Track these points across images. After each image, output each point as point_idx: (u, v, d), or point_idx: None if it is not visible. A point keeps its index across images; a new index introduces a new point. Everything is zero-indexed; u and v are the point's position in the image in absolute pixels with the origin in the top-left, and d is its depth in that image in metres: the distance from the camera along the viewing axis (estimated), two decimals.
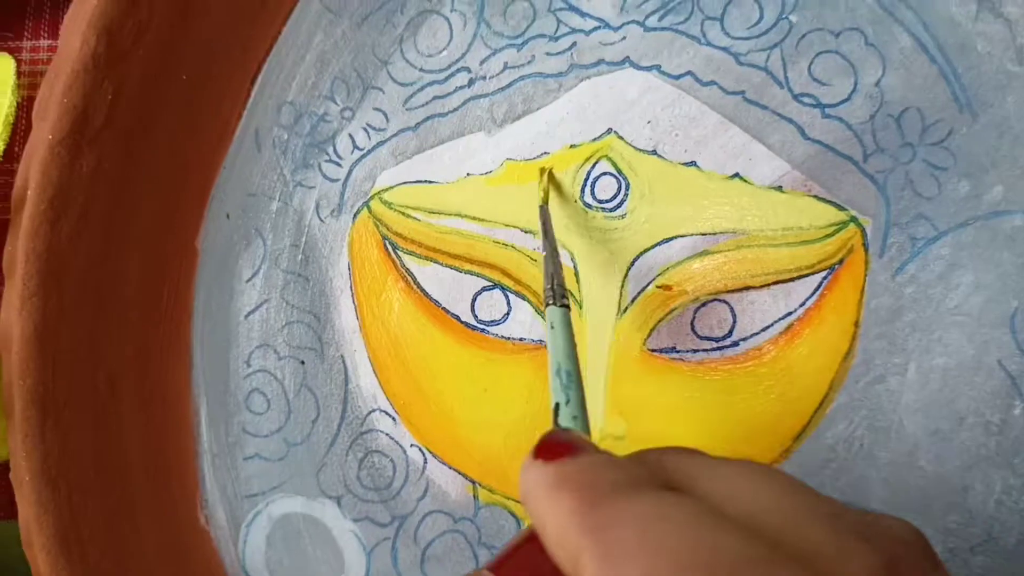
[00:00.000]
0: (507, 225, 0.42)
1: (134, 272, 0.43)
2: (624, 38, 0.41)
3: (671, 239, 0.41)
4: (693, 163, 0.41)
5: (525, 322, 0.42)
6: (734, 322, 0.41)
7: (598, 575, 0.23)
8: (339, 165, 0.44)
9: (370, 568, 0.44)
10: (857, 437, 0.40)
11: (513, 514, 0.43)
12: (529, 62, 0.42)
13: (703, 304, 0.41)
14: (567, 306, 0.35)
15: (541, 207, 0.41)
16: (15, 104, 0.43)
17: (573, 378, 0.31)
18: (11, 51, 0.45)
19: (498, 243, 0.42)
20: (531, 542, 0.26)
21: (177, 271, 0.44)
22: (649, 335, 0.42)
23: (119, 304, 0.42)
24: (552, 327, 0.34)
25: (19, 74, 0.44)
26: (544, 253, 0.38)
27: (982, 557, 0.40)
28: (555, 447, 0.27)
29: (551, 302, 0.35)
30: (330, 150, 0.44)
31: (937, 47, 0.39)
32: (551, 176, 0.42)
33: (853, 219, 0.40)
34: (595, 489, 0.24)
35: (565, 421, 0.30)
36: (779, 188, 0.40)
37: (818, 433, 0.41)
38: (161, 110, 0.42)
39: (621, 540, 0.23)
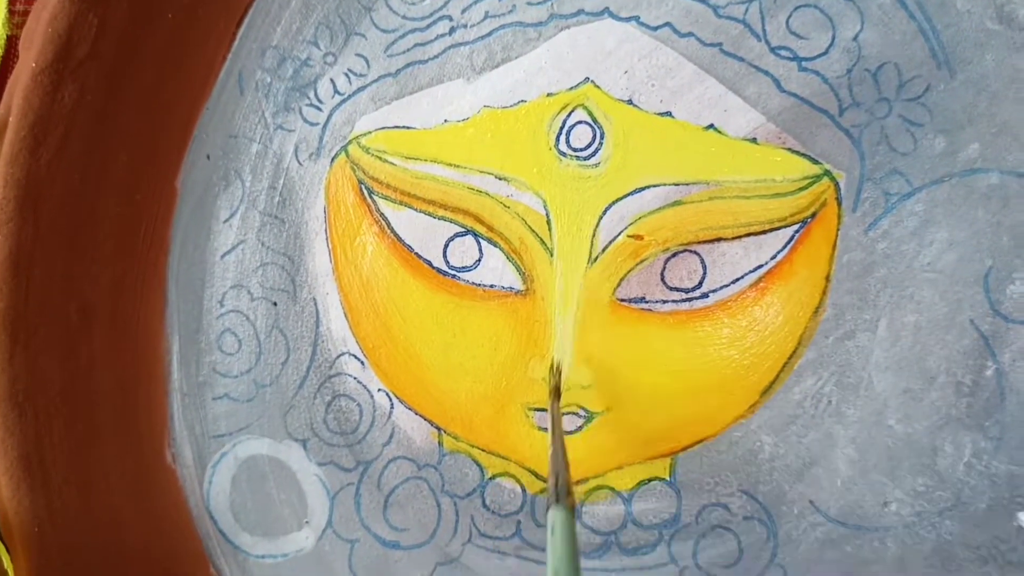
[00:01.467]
0: (482, 172, 0.42)
1: (112, 207, 0.43)
2: None
3: (644, 188, 0.41)
4: (668, 113, 0.41)
5: (496, 269, 0.42)
6: (704, 273, 0.41)
7: None
8: (319, 109, 0.44)
9: (333, 513, 0.44)
10: (825, 393, 0.40)
11: (476, 462, 0.43)
12: (510, 11, 0.42)
13: (674, 255, 0.41)
14: (572, 508, 0.32)
15: (551, 402, 0.40)
16: (4, 38, 0.44)
17: None
18: None
19: (472, 189, 0.42)
20: None
21: (155, 209, 0.44)
22: (619, 285, 0.41)
23: (95, 237, 0.43)
24: (553, 532, 0.31)
25: (12, 12, 0.44)
26: (551, 447, 0.37)
27: (951, 522, 0.39)
28: None
29: (555, 500, 0.32)
30: (311, 94, 0.44)
31: (916, 3, 0.39)
32: (559, 371, 0.42)
33: (827, 173, 0.40)
34: None
35: None
36: (753, 140, 0.40)
37: (786, 388, 0.40)
38: (145, 47, 0.42)
39: None
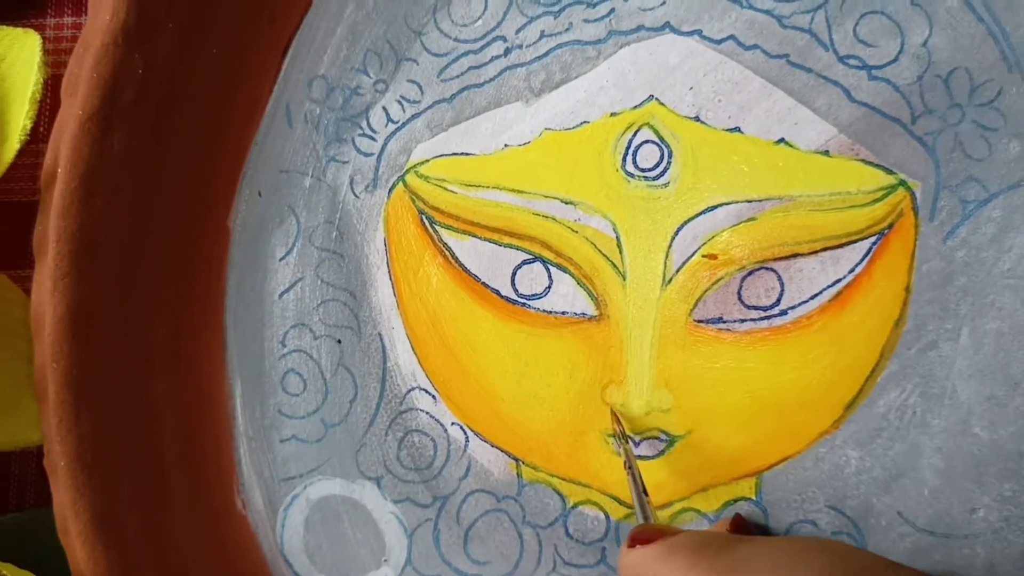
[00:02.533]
0: (546, 196, 0.41)
1: (165, 252, 0.42)
2: (664, 3, 0.40)
3: (716, 207, 0.40)
4: (737, 129, 0.40)
5: (567, 295, 0.42)
6: (782, 290, 0.40)
7: None
8: (373, 139, 0.43)
9: (412, 550, 0.43)
10: (910, 405, 0.40)
11: (557, 492, 0.42)
12: (567, 29, 0.41)
13: (750, 273, 0.40)
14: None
15: (624, 447, 0.40)
16: (41, 81, 0.42)
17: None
18: (35, 28, 0.44)
19: (538, 215, 0.41)
20: None
21: (209, 250, 0.43)
22: (695, 306, 0.41)
23: (151, 284, 0.42)
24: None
25: (44, 52, 0.43)
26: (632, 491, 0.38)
27: None
28: (649, 534, 0.33)
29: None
30: (363, 124, 0.43)
31: (984, 6, 0.38)
32: (616, 418, 0.41)
33: (902, 182, 0.39)
34: (705, 549, 0.32)
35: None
36: (826, 152, 0.40)
37: (870, 402, 0.40)
38: (192, 85, 0.41)
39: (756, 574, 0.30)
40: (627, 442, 0.40)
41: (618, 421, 0.41)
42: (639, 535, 0.34)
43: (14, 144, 0.42)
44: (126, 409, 0.41)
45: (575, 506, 0.42)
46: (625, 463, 0.39)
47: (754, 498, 0.41)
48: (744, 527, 0.39)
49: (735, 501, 0.41)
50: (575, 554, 0.42)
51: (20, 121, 0.42)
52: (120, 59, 0.39)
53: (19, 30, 0.44)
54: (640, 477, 0.38)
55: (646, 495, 0.38)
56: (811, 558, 0.31)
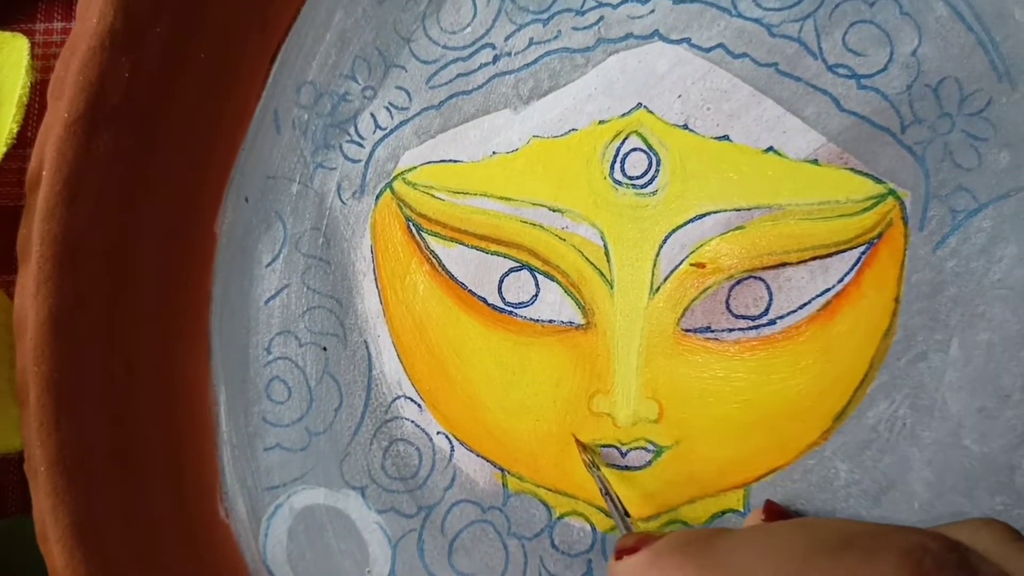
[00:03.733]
0: (534, 204, 0.41)
1: (151, 257, 0.41)
2: (653, 11, 0.40)
3: (704, 215, 0.40)
4: (725, 137, 0.40)
5: (554, 303, 0.41)
6: (770, 300, 0.40)
7: None
8: (361, 146, 0.43)
9: (396, 561, 0.43)
10: (899, 416, 0.39)
11: (543, 502, 0.42)
12: (555, 37, 0.41)
13: (738, 282, 0.40)
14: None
15: (596, 474, 0.40)
16: (29, 85, 0.42)
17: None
18: (24, 33, 0.43)
19: (525, 222, 0.41)
20: None
21: (195, 256, 0.43)
22: (683, 315, 0.40)
23: (136, 289, 0.41)
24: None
25: (32, 56, 0.43)
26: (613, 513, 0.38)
27: None
28: (633, 542, 0.34)
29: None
30: (351, 130, 0.43)
31: (973, 15, 0.38)
32: (582, 447, 0.41)
33: (891, 192, 0.39)
34: (690, 547, 0.32)
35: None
36: (815, 161, 0.39)
37: (859, 413, 0.39)
38: (179, 90, 0.41)
39: (742, 564, 0.31)
40: (598, 469, 0.40)
41: (584, 449, 0.41)
42: (624, 546, 0.34)
43: (0, 148, 0.42)
44: (108, 415, 0.40)
45: (561, 517, 0.42)
46: (600, 490, 0.39)
47: (742, 510, 0.41)
48: (777, 512, 0.39)
49: (723, 513, 0.41)
50: (561, 566, 0.42)
51: (7, 125, 0.42)
52: (107, 62, 0.38)
53: (7, 34, 0.43)
54: (617, 498, 0.38)
55: (627, 514, 0.38)
56: (792, 536, 0.32)
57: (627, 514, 0.38)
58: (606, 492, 0.39)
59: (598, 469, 0.40)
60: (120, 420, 0.41)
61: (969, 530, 0.33)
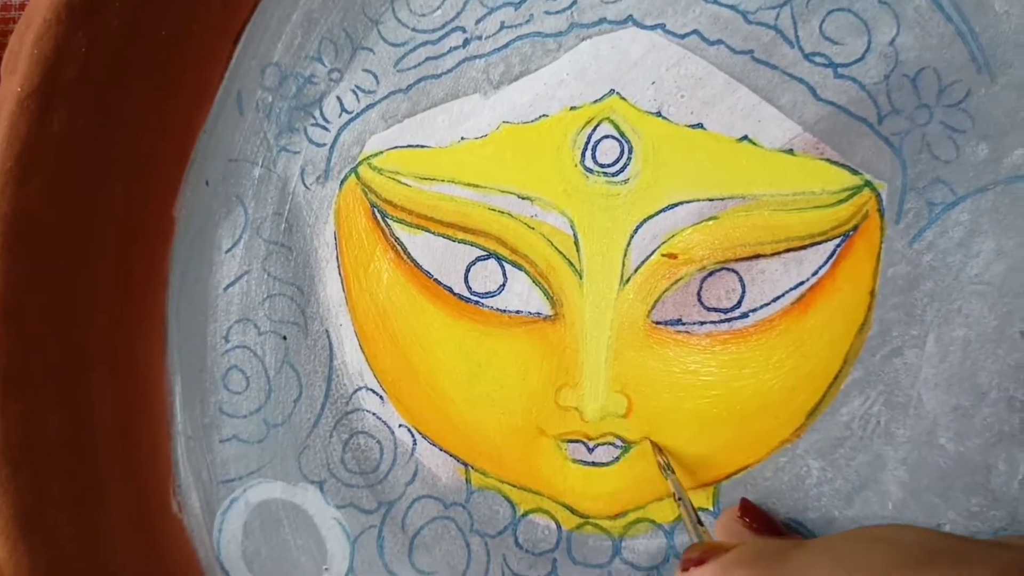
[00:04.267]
0: (503, 191, 0.40)
1: (106, 240, 0.40)
2: None
3: (676, 205, 0.39)
4: (699, 125, 0.39)
5: (522, 293, 0.40)
6: (743, 292, 0.39)
7: None
8: (326, 129, 0.41)
9: (354, 558, 0.41)
10: (874, 414, 0.38)
11: (507, 499, 0.41)
12: (527, 21, 0.40)
13: (710, 273, 0.39)
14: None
15: (671, 478, 0.39)
16: None
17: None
18: None
19: (493, 210, 0.40)
20: None
21: (152, 240, 0.41)
22: (653, 307, 0.39)
23: (90, 273, 0.40)
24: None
25: None
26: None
27: None
28: (701, 553, 0.33)
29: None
30: (317, 113, 0.41)
31: (953, 5, 0.38)
32: (657, 448, 0.40)
33: (868, 183, 0.38)
34: (760, 561, 0.31)
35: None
36: (790, 151, 0.38)
37: (832, 409, 0.38)
38: (138, 67, 0.40)
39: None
40: (673, 472, 0.39)
41: (660, 452, 0.39)
42: (691, 557, 0.33)
43: None
44: (59, 402, 0.39)
45: (525, 514, 0.41)
46: (674, 495, 0.38)
47: (712, 509, 0.40)
48: (754, 512, 0.38)
49: None
50: (524, 565, 0.41)
51: None
52: (63, 36, 0.37)
53: None
54: (691, 504, 0.37)
55: (700, 523, 0.36)
56: (871, 550, 0.30)
57: (700, 522, 0.36)
58: (680, 498, 0.37)
59: (673, 473, 0.38)
60: (71, 409, 0.39)
61: None
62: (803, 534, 0.39)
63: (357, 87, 0.41)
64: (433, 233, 0.41)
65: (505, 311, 0.40)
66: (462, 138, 0.41)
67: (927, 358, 0.38)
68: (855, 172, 0.38)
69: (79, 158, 0.39)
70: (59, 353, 0.39)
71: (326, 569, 0.41)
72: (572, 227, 0.40)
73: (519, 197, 0.40)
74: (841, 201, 0.38)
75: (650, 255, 0.39)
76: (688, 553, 0.34)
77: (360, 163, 0.41)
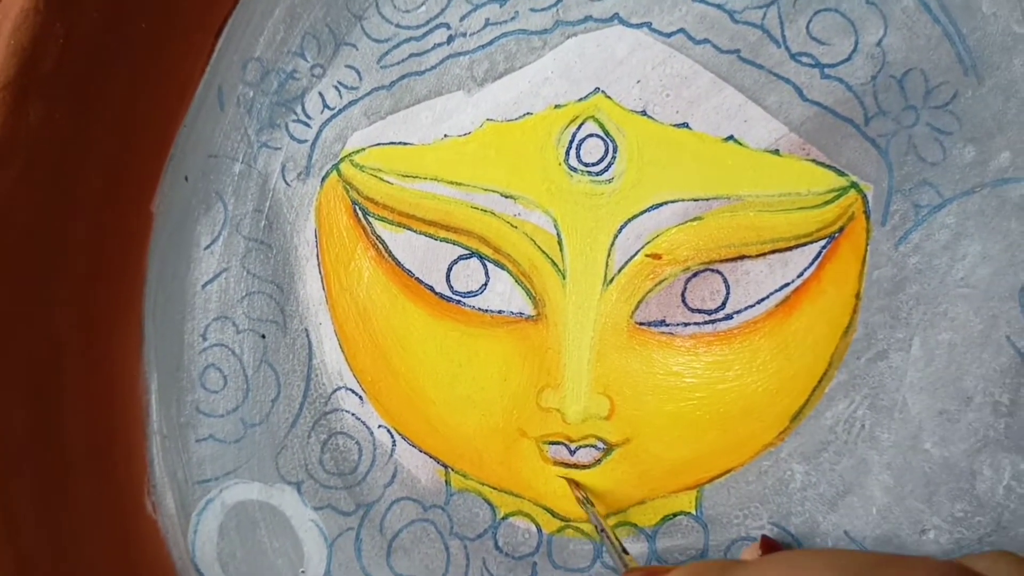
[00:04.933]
0: (486, 189, 0.40)
1: (82, 234, 0.40)
2: None
3: (661, 205, 0.39)
4: (685, 124, 0.39)
5: (504, 293, 0.40)
6: (727, 293, 0.38)
7: None
8: (308, 125, 0.41)
9: (332, 561, 0.41)
10: (858, 417, 0.38)
11: (488, 501, 0.40)
12: (512, 18, 0.40)
13: (695, 274, 0.39)
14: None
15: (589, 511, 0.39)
16: None
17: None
18: None
19: (476, 208, 0.40)
20: None
21: (129, 236, 0.41)
22: (637, 308, 0.39)
23: (65, 267, 0.39)
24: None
25: None
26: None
27: (991, 548, 0.37)
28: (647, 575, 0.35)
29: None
30: (298, 109, 0.41)
31: (940, 7, 0.37)
32: (574, 483, 0.40)
33: (854, 185, 0.38)
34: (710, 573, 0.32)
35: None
36: (776, 151, 0.38)
37: (817, 413, 0.38)
38: (117, 60, 0.39)
39: None
40: (592, 505, 0.38)
41: (576, 487, 0.39)
42: None
43: None
44: (30, 399, 0.38)
45: (506, 517, 0.40)
46: (595, 527, 0.38)
47: (694, 512, 0.39)
48: (775, 548, 0.37)
49: (674, 516, 0.39)
50: (504, 569, 0.40)
51: None
52: (40, 26, 0.37)
53: None
54: (614, 535, 0.37)
55: (625, 551, 0.36)
56: (814, 563, 0.30)
57: (625, 551, 0.36)
58: (602, 530, 0.37)
59: (592, 506, 0.38)
60: (42, 405, 0.39)
61: (987, 561, 0.32)
62: (788, 539, 0.38)
63: (340, 83, 0.41)
64: (415, 231, 0.40)
65: (487, 311, 0.40)
66: (445, 135, 0.40)
67: (912, 362, 0.38)
68: (841, 173, 0.38)
69: (56, 150, 0.38)
70: (31, 349, 0.39)
71: (303, 572, 0.41)
72: (555, 226, 0.39)
73: (502, 195, 0.40)
74: (827, 202, 0.38)
75: (634, 255, 0.39)
76: None
77: (342, 160, 0.41)
